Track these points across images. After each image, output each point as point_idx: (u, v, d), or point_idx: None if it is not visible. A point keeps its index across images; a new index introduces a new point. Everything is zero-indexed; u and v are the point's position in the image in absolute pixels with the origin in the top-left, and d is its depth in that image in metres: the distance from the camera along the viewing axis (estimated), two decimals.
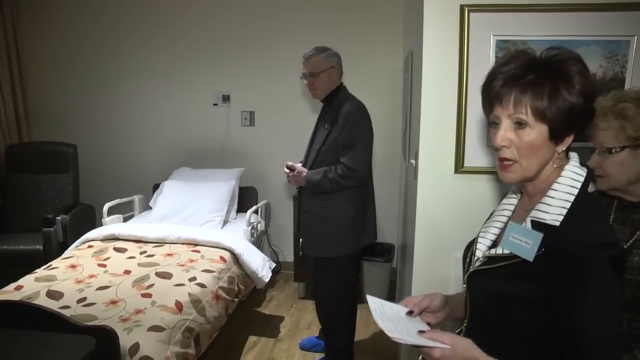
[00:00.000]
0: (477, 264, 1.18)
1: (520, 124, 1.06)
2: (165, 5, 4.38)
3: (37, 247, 3.66)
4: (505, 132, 1.08)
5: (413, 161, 2.33)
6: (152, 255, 3.10)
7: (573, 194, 1.07)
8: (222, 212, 3.78)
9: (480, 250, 1.21)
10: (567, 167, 1.11)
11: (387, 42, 4.02)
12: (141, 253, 3.14)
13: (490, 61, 1.99)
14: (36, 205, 4.04)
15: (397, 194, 4.04)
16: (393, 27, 4.00)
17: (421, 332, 1.13)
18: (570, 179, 1.09)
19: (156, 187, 4.19)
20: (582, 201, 1.06)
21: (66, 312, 2.23)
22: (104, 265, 2.93)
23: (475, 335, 1.13)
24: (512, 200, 1.25)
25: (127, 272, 2.82)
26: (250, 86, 4.38)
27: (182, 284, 2.67)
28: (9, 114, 4.44)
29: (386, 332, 1.12)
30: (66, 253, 3.27)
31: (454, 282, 2.13)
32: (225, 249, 3.25)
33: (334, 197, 2.59)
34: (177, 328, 2.34)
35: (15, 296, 2.51)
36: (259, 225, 3.96)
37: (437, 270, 2.13)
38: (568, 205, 1.05)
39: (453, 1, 1.98)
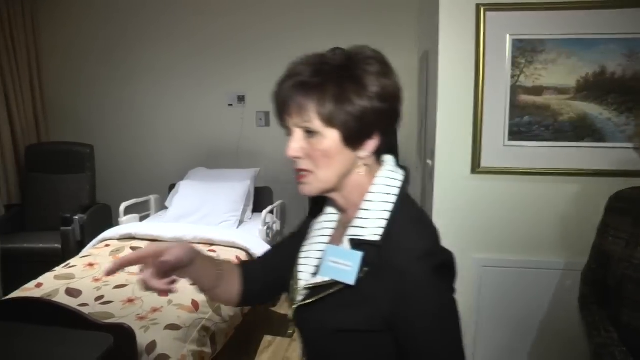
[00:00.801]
0: (301, 297, 1.03)
1: (310, 132, 0.96)
2: (180, 6, 4.42)
3: (56, 245, 3.72)
4: (296, 143, 0.97)
5: (429, 161, 2.33)
6: None
7: (390, 202, 0.98)
8: (237, 212, 3.81)
9: (303, 280, 1.05)
10: (379, 173, 1.02)
11: (401, 42, 4.01)
12: None
13: (507, 60, 1.98)
14: (54, 205, 4.10)
15: (412, 196, 4.02)
16: (407, 26, 4.00)
17: None
18: (384, 186, 1.00)
19: (172, 187, 4.23)
20: (401, 209, 0.98)
21: (85, 310, 2.27)
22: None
23: None
24: (331, 217, 1.10)
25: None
26: (265, 86, 4.33)
27: None
28: (28, 116, 4.51)
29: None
30: (84, 252, 3.32)
31: (474, 285, 2.12)
32: (241, 248, 3.27)
33: None
34: (193, 326, 2.36)
35: (36, 293, 2.56)
36: (274, 226, 3.97)
37: None
38: (386, 215, 0.96)
39: (469, 0, 1.97)
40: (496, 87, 2.01)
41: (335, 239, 1.04)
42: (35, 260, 3.67)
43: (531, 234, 2.10)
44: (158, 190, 4.35)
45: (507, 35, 1.97)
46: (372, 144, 0.98)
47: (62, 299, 2.47)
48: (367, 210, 0.98)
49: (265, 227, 3.66)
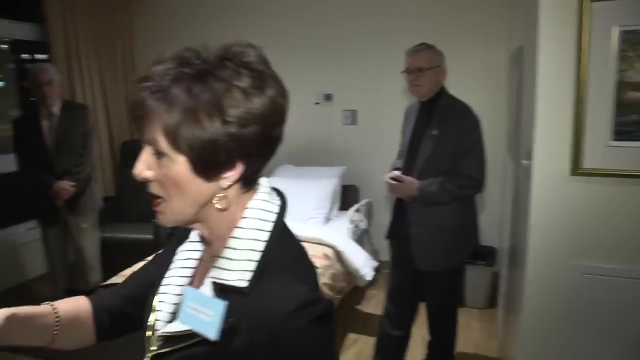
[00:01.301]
0: (156, 344, 0.87)
1: (158, 153, 0.78)
2: (267, 5, 4.54)
3: (148, 236, 3.97)
4: (142, 162, 0.81)
5: (525, 162, 2.23)
6: None
7: (261, 240, 0.82)
8: (324, 209, 3.85)
9: (161, 321, 0.89)
10: (250, 203, 0.85)
11: (489, 39, 3.88)
12: None
13: (613, 54, 1.85)
14: (145, 198, 4.33)
15: (498, 194, 3.89)
16: (496, 22, 3.84)
17: None
18: (255, 220, 0.84)
19: None
20: (275, 247, 0.82)
21: None
22: None
23: None
24: (196, 246, 0.93)
25: None
26: (352, 85, 4.41)
27: None
28: (122, 114, 4.84)
29: None
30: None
31: (567, 292, 2.01)
32: (328, 245, 3.30)
33: (447, 207, 2.42)
34: None
35: None
36: (361, 224, 3.98)
37: (551, 279, 2.02)
38: (256, 256, 0.81)
39: None
40: (600, 83, 1.88)
41: (199, 276, 0.89)
42: (129, 249, 3.94)
43: (637, 241, 1.95)
44: None
45: (615, 27, 1.83)
46: (233, 174, 0.81)
47: None
48: (233, 249, 0.82)
49: (353, 225, 3.68)
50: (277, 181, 4.05)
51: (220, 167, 0.80)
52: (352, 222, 3.71)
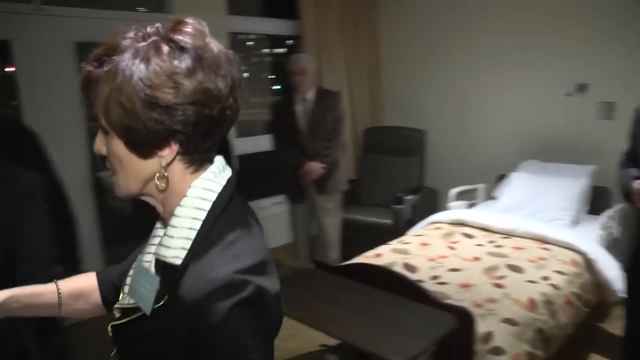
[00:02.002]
0: (116, 314, 0.92)
1: (103, 129, 0.82)
2: None
3: (387, 221, 4.05)
4: (99, 137, 0.85)
5: None
6: (500, 246, 3.07)
7: (200, 219, 0.82)
8: (571, 211, 3.50)
9: (122, 296, 0.93)
10: (195, 182, 0.84)
11: None
12: (489, 242, 3.14)
13: None
14: (385, 184, 4.47)
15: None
16: None
17: None
18: (196, 199, 0.83)
19: (500, 177, 4.14)
20: (213, 226, 0.82)
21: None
22: (453, 248, 3.04)
23: None
24: (162, 225, 0.93)
25: (476, 258, 2.86)
26: (612, 74, 3.89)
27: (535, 281, 2.56)
28: (366, 101, 5.04)
29: None
30: (415, 231, 3.52)
31: None
32: (578, 252, 2.99)
33: None
34: (528, 325, 2.26)
35: (376, 262, 2.81)
36: (613, 232, 3.52)
37: None
38: (192, 234, 0.81)
39: None
40: None
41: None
42: (367, 232, 4.09)
43: None
44: (486, 179, 4.32)
45: None
46: (168, 153, 0.81)
47: (400, 271, 2.66)
48: (174, 227, 0.83)
49: (606, 233, 3.27)
50: (522, 176, 3.81)
51: (152, 146, 0.81)
52: (605, 228, 3.30)
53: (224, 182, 0.87)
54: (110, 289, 1.10)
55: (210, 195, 0.85)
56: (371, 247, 3.11)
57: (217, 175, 0.87)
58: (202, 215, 0.83)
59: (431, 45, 4.82)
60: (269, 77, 5.76)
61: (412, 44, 4.95)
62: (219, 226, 0.83)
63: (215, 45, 0.82)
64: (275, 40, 5.42)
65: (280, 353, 3.04)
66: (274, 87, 5.80)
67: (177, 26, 0.81)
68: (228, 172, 0.90)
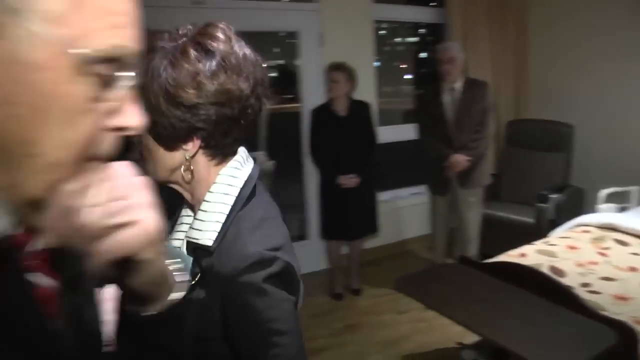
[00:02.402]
0: None
1: None
2: None
3: (528, 219, 3.92)
4: None
5: None
6: None
7: (228, 204, 0.91)
8: None
9: None
10: (222, 171, 0.94)
11: None
12: None
13: None
14: (529, 180, 4.31)
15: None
16: None
17: None
18: (224, 186, 0.93)
19: None
20: (240, 211, 0.91)
21: None
22: (604, 255, 2.89)
23: None
24: (188, 211, 1.02)
25: (632, 269, 2.70)
26: None
27: None
28: (510, 91, 4.87)
29: None
30: (561, 232, 3.38)
31: None
32: None
33: None
34: None
35: (521, 262, 2.75)
36: None
37: None
38: (223, 218, 0.91)
39: None
40: None
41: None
42: (508, 230, 3.99)
43: None
44: (639, 181, 4.00)
45: None
46: (192, 147, 0.91)
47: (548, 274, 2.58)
48: (204, 211, 0.92)
49: None
50: None
51: (177, 140, 0.89)
52: None
53: (248, 172, 0.96)
54: None
55: (237, 182, 0.94)
56: (510, 246, 3.04)
57: (242, 164, 0.96)
58: (231, 200, 0.92)
59: (585, 36, 4.51)
60: (401, 66, 5.77)
61: (564, 32, 4.67)
62: (246, 210, 0.93)
63: (241, 48, 0.89)
64: (407, 28, 5.40)
65: (413, 345, 3.16)
66: (405, 77, 5.80)
67: (207, 30, 0.88)
68: (251, 163, 0.99)
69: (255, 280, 0.86)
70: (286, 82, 4.43)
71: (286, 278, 0.90)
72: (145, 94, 0.84)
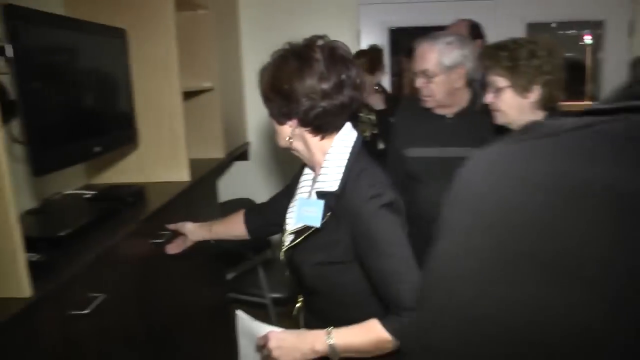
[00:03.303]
0: (287, 241, 1.30)
1: None
2: None
3: None
4: None
5: None
6: None
7: (344, 160, 1.22)
8: None
9: (290, 226, 1.30)
10: (336, 137, 1.25)
11: None
12: None
13: None
14: None
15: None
16: None
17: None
18: (339, 147, 1.24)
19: None
20: (354, 164, 1.21)
21: None
22: None
23: (312, 307, 1.34)
24: (308, 177, 1.35)
25: None
26: None
27: None
28: None
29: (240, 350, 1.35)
30: None
31: None
32: None
33: None
34: None
35: None
36: None
37: None
38: (342, 170, 1.20)
39: None
40: None
41: (312, 192, 1.28)
42: None
43: None
44: None
45: None
46: (292, 124, 1.23)
47: None
48: (327, 167, 1.22)
49: None
50: None
51: (282, 118, 1.24)
52: None
53: (354, 139, 1.26)
54: (254, 224, 1.62)
55: (347, 144, 1.25)
56: None
57: (348, 134, 1.27)
58: (345, 158, 1.22)
59: None
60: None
61: None
62: (357, 165, 1.22)
63: (342, 50, 1.21)
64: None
65: None
66: None
67: (314, 40, 1.20)
68: (355, 133, 1.28)
69: (373, 207, 1.15)
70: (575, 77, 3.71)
71: (395, 207, 1.19)
72: (262, 81, 1.24)
